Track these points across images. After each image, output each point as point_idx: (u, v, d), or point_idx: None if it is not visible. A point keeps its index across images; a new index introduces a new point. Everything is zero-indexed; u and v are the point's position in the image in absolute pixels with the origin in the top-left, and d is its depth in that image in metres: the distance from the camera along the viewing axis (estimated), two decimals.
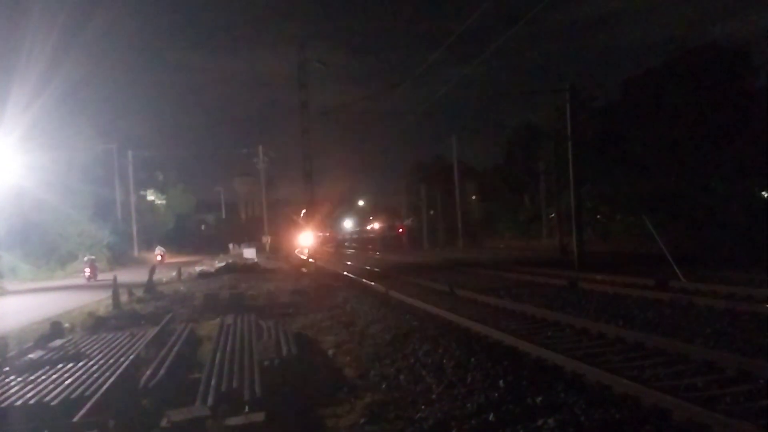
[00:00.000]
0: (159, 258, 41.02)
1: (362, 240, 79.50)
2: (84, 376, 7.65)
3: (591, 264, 21.63)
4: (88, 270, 30.01)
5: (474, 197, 57.16)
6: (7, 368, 8.41)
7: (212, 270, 30.96)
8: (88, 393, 6.90)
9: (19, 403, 6.69)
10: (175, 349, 9.26)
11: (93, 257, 33.30)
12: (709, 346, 8.29)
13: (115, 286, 16.81)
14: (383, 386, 7.32)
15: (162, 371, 7.68)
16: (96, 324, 13.43)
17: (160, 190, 68.77)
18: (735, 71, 32.11)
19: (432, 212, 59.36)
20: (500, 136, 50.49)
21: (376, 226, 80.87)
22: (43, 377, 7.72)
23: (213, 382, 6.92)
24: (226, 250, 57.22)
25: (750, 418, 5.42)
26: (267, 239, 55.15)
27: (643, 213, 25.64)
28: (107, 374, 7.69)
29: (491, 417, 5.87)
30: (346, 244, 76.99)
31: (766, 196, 32.82)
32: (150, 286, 20.02)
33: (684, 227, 30.68)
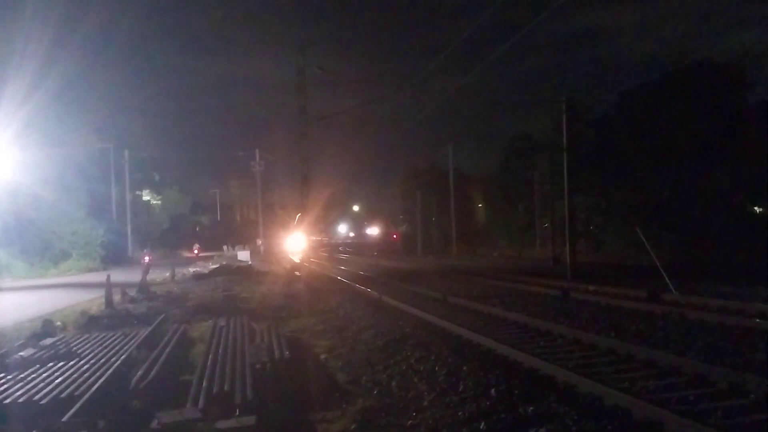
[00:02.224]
0: (195, 252, 52.54)
1: (357, 245, 79.49)
2: (74, 376, 7.63)
3: (584, 274, 21.67)
4: (147, 258, 33.14)
5: (467, 205, 57.17)
6: None
7: (206, 271, 30.90)
8: (78, 392, 6.88)
9: (8, 401, 6.67)
10: (167, 350, 9.24)
11: (147, 249, 36.87)
12: (701, 359, 8.32)
13: (108, 286, 16.74)
14: (375, 392, 7.31)
15: (153, 372, 7.66)
16: (88, 323, 13.39)
17: (156, 190, 68.72)
18: (730, 86, 32.31)
19: (416, 218, 59.30)
20: (496, 145, 50.71)
21: (371, 231, 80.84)
22: (34, 376, 7.70)
23: (204, 385, 6.91)
24: (220, 252, 57.22)
25: None
26: (261, 242, 55.11)
27: (637, 225, 25.72)
28: (98, 374, 7.67)
29: (482, 425, 5.88)
30: (340, 248, 76.87)
31: (758, 210, 33.00)
32: (143, 286, 19.96)
33: (677, 240, 30.80)
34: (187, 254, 55.07)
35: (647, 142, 33.18)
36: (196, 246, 57.47)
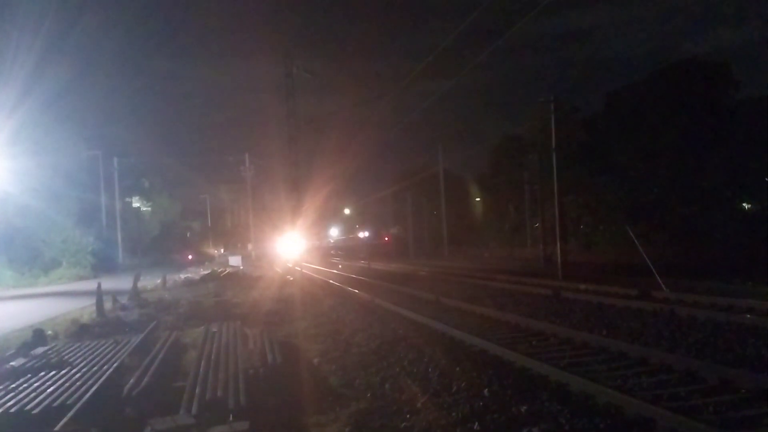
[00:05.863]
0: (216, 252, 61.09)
1: (349, 248, 79.37)
2: (66, 384, 7.59)
3: (574, 273, 21.74)
4: (190, 257, 33.93)
5: (458, 206, 57.25)
6: None
7: (197, 277, 30.82)
8: (70, 401, 6.85)
9: None
10: (160, 357, 9.20)
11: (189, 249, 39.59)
12: (692, 355, 8.38)
13: (99, 293, 16.66)
14: (368, 395, 7.32)
15: (146, 379, 7.63)
16: (79, 331, 13.32)
17: (146, 196, 68.32)
18: (716, 85, 32.57)
19: (408, 220, 59.32)
20: (486, 146, 50.87)
21: (363, 234, 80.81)
22: (25, 385, 7.65)
23: (197, 391, 6.89)
24: (211, 257, 57.11)
25: (732, 427, 5.49)
26: (252, 246, 55.01)
27: (626, 223, 25.87)
28: (90, 382, 7.64)
29: (476, 426, 5.89)
30: (332, 252, 76.73)
31: (747, 207, 33.25)
32: (134, 294, 19.87)
33: (666, 237, 30.99)
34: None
35: (636, 141, 33.40)
36: (220, 248, 67.01)
